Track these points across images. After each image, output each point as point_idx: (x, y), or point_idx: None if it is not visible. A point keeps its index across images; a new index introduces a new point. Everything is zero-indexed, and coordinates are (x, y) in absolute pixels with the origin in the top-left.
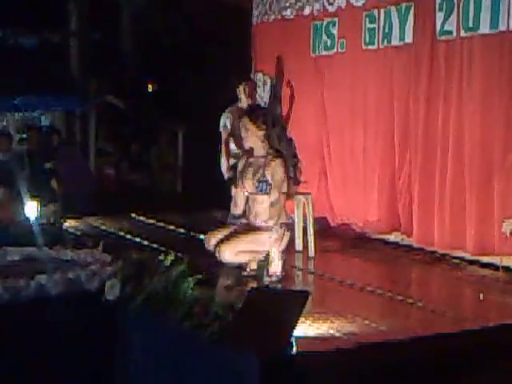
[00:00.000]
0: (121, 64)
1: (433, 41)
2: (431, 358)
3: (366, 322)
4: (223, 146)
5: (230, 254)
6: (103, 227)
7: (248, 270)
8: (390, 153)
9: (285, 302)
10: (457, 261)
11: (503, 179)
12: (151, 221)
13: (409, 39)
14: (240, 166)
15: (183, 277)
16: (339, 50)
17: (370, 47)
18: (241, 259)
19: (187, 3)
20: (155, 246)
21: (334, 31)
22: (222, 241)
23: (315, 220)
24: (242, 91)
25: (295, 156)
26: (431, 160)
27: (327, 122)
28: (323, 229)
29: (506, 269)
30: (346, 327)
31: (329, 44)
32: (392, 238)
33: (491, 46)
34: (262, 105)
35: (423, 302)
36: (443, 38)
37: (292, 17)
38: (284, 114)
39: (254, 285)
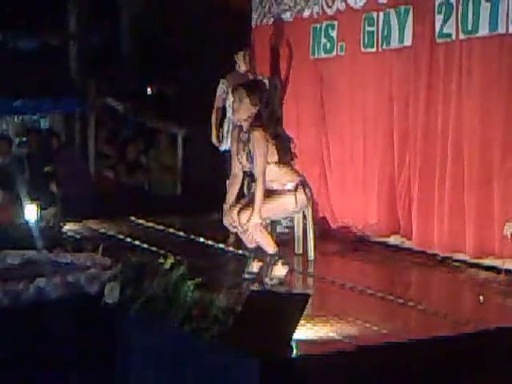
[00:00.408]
0: (120, 66)
1: (432, 43)
2: (432, 361)
3: (366, 324)
4: (213, 114)
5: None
6: (103, 230)
7: (249, 272)
8: (389, 155)
9: (285, 305)
10: (457, 263)
11: (503, 181)
12: (151, 224)
13: (408, 42)
14: (232, 140)
15: (183, 280)
16: (338, 53)
17: (369, 50)
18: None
19: (187, 6)
20: (155, 249)
21: (334, 34)
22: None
23: (315, 222)
24: (240, 58)
25: (287, 138)
26: (431, 162)
27: (326, 124)
28: (323, 231)
29: (507, 271)
30: (346, 330)
31: (328, 47)
32: (392, 240)
33: (490, 48)
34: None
35: (423, 305)
36: (442, 40)
37: (291, 20)
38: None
39: (255, 287)
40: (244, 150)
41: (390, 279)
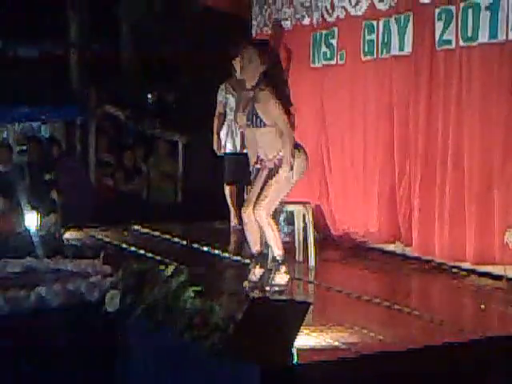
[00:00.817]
0: (120, 74)
1: (432, 51)
2: (431, 368)
3: (367, 332)
4: (215, 120)
5: (265, 214)
6: (103, 238)
7: (250, 281)
8: (389, 162)
9: (285, 313)
10: (458, 271)
11: (503, 188)
12: (151, 231)
13: (408, 49)
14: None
15: (183, 287)
16: (339, 61)
17: (369, 57)
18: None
19: (187, 14)
20: (155, 256)
21: (334, 42)
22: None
23: (316, 229)
24: (238, 64)
25: (289, 101)
26: (431, 170)
27: (327, 131)
28: (324, 238)
29: (508, 279)
30: (347, 337)
31: (328, 54)
32: (392, 247)
33: (490, 55)
34: None
35: (423, 312)
36: (442, 47)
37: (291, 28)
38: None
39: (255, 295)
40: (246, 108)
41: (390, 286)
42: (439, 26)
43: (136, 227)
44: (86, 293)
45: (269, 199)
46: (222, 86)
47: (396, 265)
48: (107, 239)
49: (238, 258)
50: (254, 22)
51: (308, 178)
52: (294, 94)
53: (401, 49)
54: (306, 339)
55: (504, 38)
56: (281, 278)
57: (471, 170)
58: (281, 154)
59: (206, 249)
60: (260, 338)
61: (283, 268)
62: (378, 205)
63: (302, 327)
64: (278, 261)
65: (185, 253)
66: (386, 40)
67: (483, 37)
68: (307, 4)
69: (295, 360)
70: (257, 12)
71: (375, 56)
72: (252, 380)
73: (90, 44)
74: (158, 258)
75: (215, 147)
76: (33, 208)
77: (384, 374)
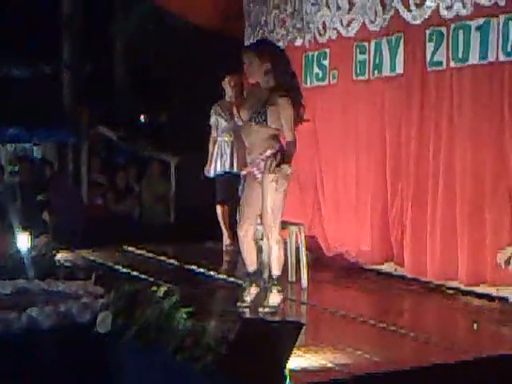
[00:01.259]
0: (113, 95)
1: (423, 71)
2: None
3: (360, 353)
4: (211, 145)
5: (278, 231)
6: (95, 259)
7: (244, 301)
8: (381, 183)
9: (278, 334)
10: (450, 291)
11: (495, 209)
12: (143, 252)
13: (399, 70)
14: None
15: (176, 308)
16: (331, 81)
17: (360, 78)
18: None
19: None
20: (147, 277)
21: (326, 62)
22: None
23: (308, 250)
24: (226, 84)
25: (300, 93)
26: (423, 190)
27: (320, 152)
28: (317, 259)
29: (501, 299)
30: (340, 358)
31: (320, 75)
32: (385, 268)
33: (481, 76)
34: None
35: (417, 333)
36: (433, 68)
37: (283, 48)
38: None
39: (248, 316)
40: (251, 105)
41: (383, 307)
42: (430, 46)
43: (128, 248)
44: (77, 314)
45: (275, 217)
46: (213, 110)
47: (389, 285)
48: (99, 260)
49: (231, 278)
50: (247, 43)
51: (301, 198)
52: None
53: (392, 69)
54: (299, 360)
55: (494, 58)
56: (275, 297)
57: (463, 191)
58: (267, 152)
59: (198, 269)
60: (252, 359)
61: (277, 288)
62: (370, 225)
63: (294, 348)
64: (274, 280)
65: (177, 274)
66: (377, 61)
67: (474, 58)
68: (299, 25)
69: (288, 381)
70: (249, 33)
71: (367, 77)
72: None
73: (83, 65)
74: (150, 278)
75: (206, 170)
76: (24, 229)
77: None
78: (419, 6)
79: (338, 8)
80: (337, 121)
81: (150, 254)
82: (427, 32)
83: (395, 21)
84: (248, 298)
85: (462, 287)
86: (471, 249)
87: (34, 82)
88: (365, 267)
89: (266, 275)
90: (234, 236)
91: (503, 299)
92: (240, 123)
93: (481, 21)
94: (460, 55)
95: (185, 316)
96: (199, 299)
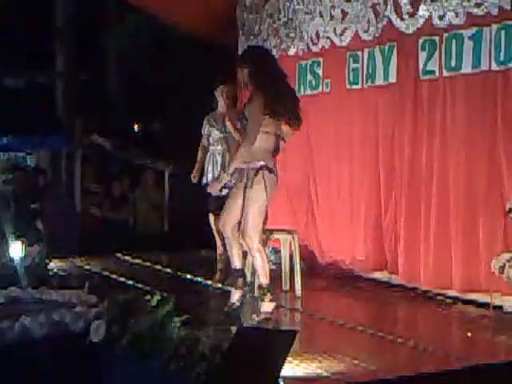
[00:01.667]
0: (107, 104)
1: (416, 80)
2: None
3: (355, 361)
4: (199, 152)
5: (257, 240)
6: (89, 267)
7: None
8: (375, 191)
9: (272, 342)
10: (444, 299)
11: (488, 216)
12: (137, 261)
13: (392, 79)
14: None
15: (169, 317)
16: (324, 90)
17: (354, 87)
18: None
19: (173, 43)
20: (141, 286)
21: (319, 71)
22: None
23: (302, 258)
24: (219, 94)
25: (282, 92)
26: (416, 198)
27: (313, 160)
28: (311, 267)
29: (495, 307)
30: (334, 367)
31: (314, 84)
32: (379, 276)
33: (473, 85)
34: None
35: (411, 341)
36: (426, 77)
37: (277, 57)
38: None
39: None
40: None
41: (377, 315)
42: (423, 56)
43: (122, 256)
44: (70, 323)
45: (252, 223)
46: (206, 120)
47: (383, 293)
48: (93, 269)
49: (225, 286)
50: (240, 52)
51: (295, 207)
52: None
53: (385, 78)
54: (293, 368)
55: (487, 67)
56: (267, 306)
57: (456, 199)
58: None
59: (191, 278)
60: (247, 368)
61: (269, 296)
62: (364, 233)
63: (288, 356)
64: (264, 289)
65: (171, 282)
66: (370, 70)
67: (466, 67)
68: (292, 34)
69: None
70: (243, 42)
71: (360, 85)
72: None
73: (76, 74)
74: (144, 287)
75: (192, 175)
76: (18, 238)
77: None
78: (412, 15)
79: (331, 17)
80: (330, 129)
81: (144, 263)
82: (420, 41)
83: (388, 30)
84: (234, 298)
85: (456, 295)
86: (465, 257)
87: (27, 92)
88: (359, 275)
89: (257, 284)
90: None
91: (497, 307)
92: (232, 133)
93: (473, 30)
94: (453, 64)
95: (178, 325)
96: (193, 308)
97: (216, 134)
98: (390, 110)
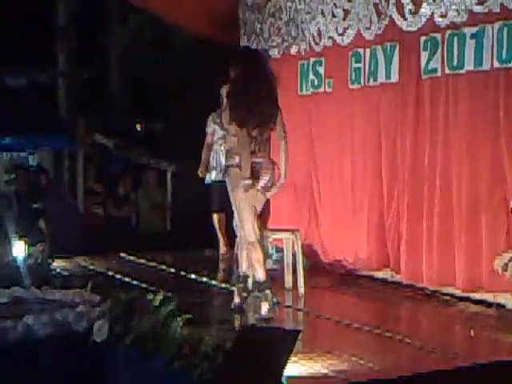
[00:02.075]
0: (109, 103)
1: (418, 79)
2: None
3: (357, 360)
4: (204, 150)
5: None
6: (92, 267)
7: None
8: (378, 190)
9: (275, 341)
10: (446, 297)
11: (491, 215)
12: (140, 260)
13: (394, 78)
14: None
15: (172, 316)
16: (326, 89)
17: (356, 86)
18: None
19: (176, 43)
20: (144, 285)
21: (321, 70)
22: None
23: (305, 256)
24: (224, 92)
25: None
26: (419, 196)
27: (316, 159)
28: (314, 265)
29: (498, 305)
30: (337, 365)
31: (316, 83)
32: (381, 274)
33: (475, 83)
34: None
35: (413, 339)
36: (428, 76)
37: (279, 56)
38: None
39: (244, 323)
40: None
41: (380, 313)
42: (425, 54)
43: (125, 256)
44: (73, 322)
45: (240, 219)
46: (210, 117)
47: (385, 292)
48: (96, 268)
49: (227, 286)
50: None
51: (297, 206)
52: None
53: (387, 77)
54: (296, 367)
55: (489, 65)
56: (267, 304)
57: (459, 197)
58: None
59: (194, 277)
60: (249, 367)
61: (269, 294)
62: (367, 232)
63: (291, 355)
64: (261, 286)
65: (174, 281)
66: (372, 68)
67: (468, 65)
68: (294, 33)
69: None
70: (245, 41)
71: (362, 84)
72: None
73: (79, 73)
74: (147, 286)
75: (199, 171)
76: (20, 237)
77: None
78: (414, 13)
79: (333, 16)
80: (332, 128)
81: (147, 262)
82: (422, 39)
83: (390, 29)
84: (237, 300)
85: (459, 293)
86: (468, 255)
87: (29, 91)
88: (361, 274)
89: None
90: (229, 244)
91: (500, 305)
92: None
93: (475, 28)
94: (455, 62)
95: (181, 324)
96: (196, 307)
97: (220, 132)
98: (392, 108)
